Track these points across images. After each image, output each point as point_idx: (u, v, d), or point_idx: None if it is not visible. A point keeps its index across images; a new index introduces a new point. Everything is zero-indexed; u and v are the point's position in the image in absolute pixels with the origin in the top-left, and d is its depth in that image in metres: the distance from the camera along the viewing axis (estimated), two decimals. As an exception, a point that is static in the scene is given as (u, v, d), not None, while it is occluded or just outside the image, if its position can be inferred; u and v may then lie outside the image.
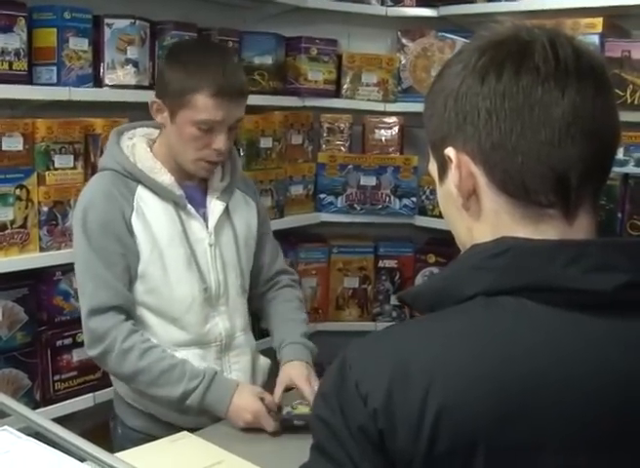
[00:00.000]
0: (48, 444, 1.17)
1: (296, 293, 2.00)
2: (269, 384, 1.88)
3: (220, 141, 1.70)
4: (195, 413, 1.71)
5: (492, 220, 0.81)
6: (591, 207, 0.81)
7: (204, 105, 1.66)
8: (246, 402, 1.67)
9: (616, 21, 2.42)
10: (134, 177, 1.73)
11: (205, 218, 1.80)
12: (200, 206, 1.80)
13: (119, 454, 1.40)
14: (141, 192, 1.73)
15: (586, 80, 0.78)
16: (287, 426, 1.67)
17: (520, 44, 0.79)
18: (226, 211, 1.82)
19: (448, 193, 0.84)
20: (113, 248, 1.69)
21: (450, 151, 0.81)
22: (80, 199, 1.77)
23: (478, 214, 0.82)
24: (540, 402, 0.73)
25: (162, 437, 1.67)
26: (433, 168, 0.87)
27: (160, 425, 1.77)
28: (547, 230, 0.79)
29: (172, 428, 1.73)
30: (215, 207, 1.81)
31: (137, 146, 1.78)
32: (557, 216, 0.79)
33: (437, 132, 0.84)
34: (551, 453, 0.73)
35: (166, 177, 1.74)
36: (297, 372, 1.76)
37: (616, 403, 0.75)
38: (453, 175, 0.82)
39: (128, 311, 1.71)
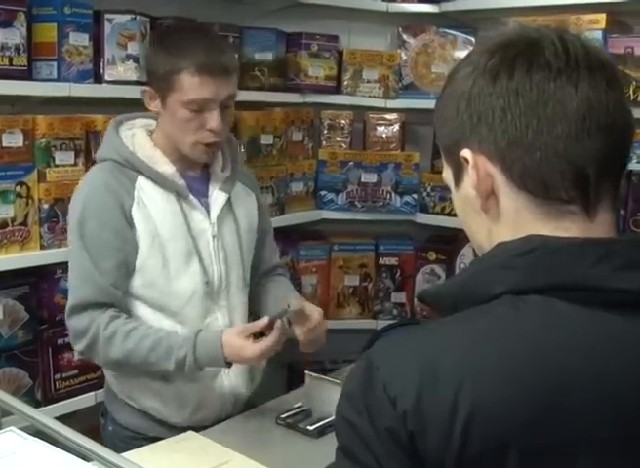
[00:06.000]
0: (49, 442, 1.15)
1: (289, 282, 2.01)
2: (265, 385, 1.89)
3: (212, 121, 1.67)
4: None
5: (512, 219, 0.80)
6: (611, 203, 0.81)
7: (189, 85, 1.64)
8: (239, 344, 1.61)
9: (619, 18, 2.41)
10: (134, 167, 1.70)
11: (207, 209, 1.77)
12: (202, 196, 1.78)
13: (125, 454, 1.38)
14: (142, 182, 1.70)
15: (598, 74, 0.78)
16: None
17: (529, 42, 0.79)
18: (228, 201, 1.80)
19: (465, 197, 0.84)
20: (109, 242, 1.66)
21: (466, 153, 0.81)
22: (77, 192, 1.74)
23: (497, 215, 0.82)
24: (570, 402, 0.72)
25: (154, 435, 1.67)
26: (448, 174, 0.87)
27: (154, 423, 1.75)
28: (570, 227, 0.78)
29: (166, 426, 1.73)
30: (217, 197, 1.78)
31: (136, 136, 1.75)
32: (578, 212, 0.79)
33: (451, 136, 0.84)
34: (584, 454, 0.72)
35: (167, 167, 1.72)
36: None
37: None
38: (470, 176, 0.82)
39: (111, 307, 1.67)
